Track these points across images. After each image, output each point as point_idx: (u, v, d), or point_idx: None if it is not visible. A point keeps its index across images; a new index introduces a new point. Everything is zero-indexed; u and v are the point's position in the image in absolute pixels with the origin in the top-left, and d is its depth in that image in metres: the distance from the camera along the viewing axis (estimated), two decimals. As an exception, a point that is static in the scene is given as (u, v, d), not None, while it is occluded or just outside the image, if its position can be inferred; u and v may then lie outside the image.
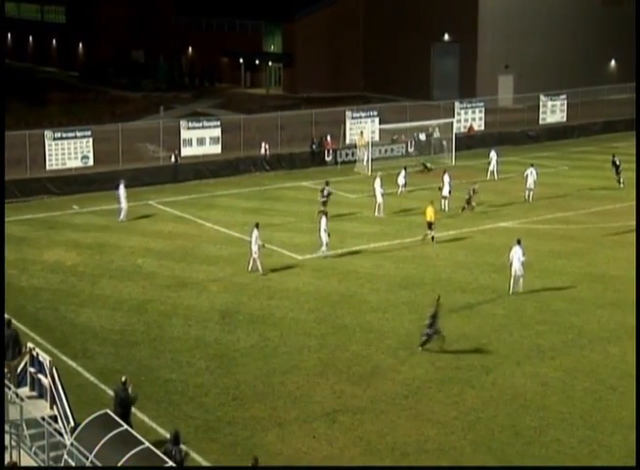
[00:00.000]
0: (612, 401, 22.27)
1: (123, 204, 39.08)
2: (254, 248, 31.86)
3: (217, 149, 50.19)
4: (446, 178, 41.18)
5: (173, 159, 47.66)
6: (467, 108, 58.86)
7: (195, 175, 48.30)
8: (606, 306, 28.90)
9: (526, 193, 43.05)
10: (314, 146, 52.87)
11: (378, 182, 40.75)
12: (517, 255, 30.04)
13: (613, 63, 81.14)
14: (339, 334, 26.77)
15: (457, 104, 58.53)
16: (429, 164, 50.28)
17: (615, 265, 32.92)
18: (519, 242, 30.65)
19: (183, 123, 49.60)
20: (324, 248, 34.00)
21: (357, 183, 48.32)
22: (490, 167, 48.48)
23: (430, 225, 35.83)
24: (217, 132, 50.13)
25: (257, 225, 32.31)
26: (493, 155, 48.99)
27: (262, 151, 51.22)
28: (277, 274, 32.25)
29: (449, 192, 40.97)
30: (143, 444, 16.63)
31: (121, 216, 39.16)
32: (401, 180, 44.13)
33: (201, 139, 49.69)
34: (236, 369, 24.27)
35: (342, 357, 25.03)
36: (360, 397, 22.67)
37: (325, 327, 27.33)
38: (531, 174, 43.03)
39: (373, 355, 25.18)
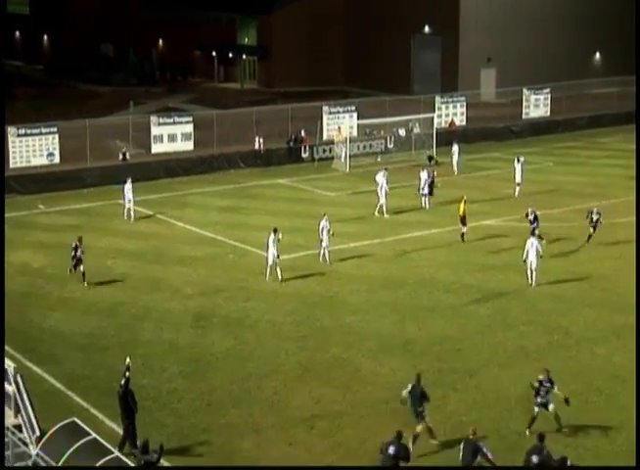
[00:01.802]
0: (598, 404, 22.40)
1: (128, 202, 38.93)
2: (271, 254, 30.96)
3: (189, 145, 50.05)
4: (423, 175, 41.27)
5: (121, 157, 47.48)
6: (448, 102, 59.02)
7: (167, 173, 48.14)
8: (593, 306, 29.08)
9: (516, 188, 43.16)
10: (291, 142, 52.86)
11: (381, 178, 40.20)
12: (533, 246, 30.47)
13: (597, 56, 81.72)
14: (317, 337, 26.76)
15: (438, 98, 58.70)
16: (434, 157, 49.83)
17: (601, 264, 33.12)
18: (533, 233, 31.19)
19: (154, 119, 49.37)
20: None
21: (335, 180, 48.36)
22: (453, 162, 48.87)
23: (462, 221, 35.52)
24: (189, 128, 49.96)
25: (275, 230, 31.30)
26: (455, 149, 49.34)
27: (257, 145, 51.27)
28: (253, 275, 32.19)
29: (430, 189, 41.07)
30: (112, 453, 16.52)
31: (125, 216, 39.05)
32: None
33: (172, 135, 49.51)
34: (211, 374, 24.20)
35: (320, 361, 25.02)
36: (340, 401, 22.66)
37: (303, 330, 27.32)
38: (518, 167, 43.23)
39: (353, 359, 25.18)
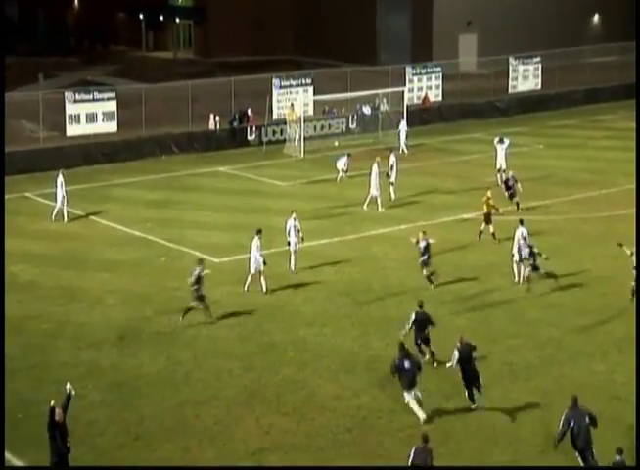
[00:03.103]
0: (598, 430, 22.66)
1: (61, 200, 38.75)
2: (255, 261, 30.75)
3: (112, 127, 49.88)
4: (393, 159, 41.53)
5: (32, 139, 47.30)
6: (421, 74, 59.45)
7: (85, 160, 47.89)
8: (590, 315, 29.43)
9: (498, 176, 43.59)
10: (234, 122, 52.84)
11: (375, 169, 40.14)
12: (522, 237, 31.27)
13: (596, 18, 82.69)
14: (266, 354, 26.79)
15: (409, 69, 59.09)
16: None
17: (600, 264, 33.55)
18: (521, 222, 31.92)
19: (69, 95, 49.12)
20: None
21: (287, 168, 48.45)
22: (401, 140, 49.66)
23: (487, 219, 35.57)
24: (112, 106, 49.81)
25: (260, 232, 31.18)
26: (403, 126, 49.91)
27: (211, 124, 51.24)
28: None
29: (394, 176, 41.36)
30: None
31: (53, 215, 38.79)
32: (340, 165, 44.37)
33: (91, 115, 49.31)
34: (139, 401, 24.12)
35: (270, 383, 25.07)
36: (293, 431, 22.73)
37: (249, 346, 27.33)
38: (501, 151, 43.60)
39: (308, 380, 25.26)
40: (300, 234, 32.84)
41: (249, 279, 31.16)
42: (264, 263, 30.95)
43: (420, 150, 51.37)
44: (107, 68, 76.76)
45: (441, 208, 40.77)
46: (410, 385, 22.82)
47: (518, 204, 38.86)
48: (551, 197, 42.23)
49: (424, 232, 31.88)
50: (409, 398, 22.91)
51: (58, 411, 19.74)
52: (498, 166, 43.73)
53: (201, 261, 29.62)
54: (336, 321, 28.89)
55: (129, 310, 29.88)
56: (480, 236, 35.95)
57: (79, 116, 49.09)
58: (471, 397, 23.37)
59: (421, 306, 25.62)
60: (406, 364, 22.77)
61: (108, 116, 49.72)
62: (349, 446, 22.08)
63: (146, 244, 36.51)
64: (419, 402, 22.95)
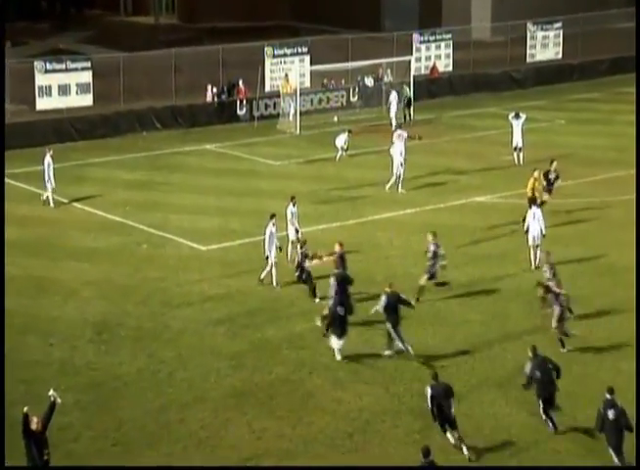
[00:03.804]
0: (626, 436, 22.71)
1: (47, 181, 38.63)
2: (270, 249, 30.65)
3: (88, 100, 49.82)
4: (396, 137, 41.52)
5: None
6: (429, 42, 59.37)
7: (57, 137, 47.80)
8: (615, 308, 29.45)
9: (515, 154, 43.60)
10: (222, 95, 52.75)
11: (400, 146, 40.28)
12: (535, 218, 31.61)
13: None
14: (259, 352, 26.82)
15: (416, 36, 59.00)
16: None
17: (627, 253, 33.52)
18: (534, 202, 32.50)
19: (39, 65, 49.05)
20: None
21: (281, 146, 48.42)
22: (391, 114, 50.04)
23: (531, 202, 34.74)
24: (87, 77, 49.77)
25: (273, 216, 30.97)
26: (394, 97, 50.09)
27: (208, 97, 51.24)
28: (173, 272, 32.18)
29: (403, 157, 41.33)
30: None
31: (47, 200, 38.81)
32: (340, 142, 44.33)
33: (64, 87, 49.26)
34: (118, 404, 24.14)
35: (262, 384, 25.10)
36: (288, 436, 22.76)
37: (240, 343, 27.35)
38: (517, 127, 43.61)
39: (305, 380, 25.29)
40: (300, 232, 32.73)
41: (273, 271, 30.81)
42: (279, 249, 30.91)
43: (428, 125, 51.31)
44: (81, 34, 76.61)
45: (452, 190, 40.76)
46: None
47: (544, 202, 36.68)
48: (573, 177, 42.15)
49: (434, 234, 30.47)
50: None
51: (35, 420, 19.76)
52: (514, 144, 43.74)
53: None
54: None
55: (107, 304, 29.86)
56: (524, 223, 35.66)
57: (50, 87, 49.01)
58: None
59: (391, 286, 26.46)
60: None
61: (82, 88, 49.63)
62: (350, 452, 22.12)
63: (125, 230, 36.48)
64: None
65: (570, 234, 35.56)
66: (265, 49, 54.46)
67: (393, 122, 49.68)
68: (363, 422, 23.36)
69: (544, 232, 32.26)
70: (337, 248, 29.38)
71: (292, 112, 51.03)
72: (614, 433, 21.08)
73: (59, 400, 20.34)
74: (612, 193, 40.26)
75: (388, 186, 40.25)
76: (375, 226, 36.64)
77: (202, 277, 31.73)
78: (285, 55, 54.90)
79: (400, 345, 26.06)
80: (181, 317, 28.90)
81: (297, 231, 32.77)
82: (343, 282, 27.26)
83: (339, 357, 26.06)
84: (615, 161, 44.70)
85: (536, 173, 36.17)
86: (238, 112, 52.59)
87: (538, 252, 32.02)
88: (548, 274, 27.54)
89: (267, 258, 30.74)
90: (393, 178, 40.25)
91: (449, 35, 60.44)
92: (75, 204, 39.32)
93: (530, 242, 32.21)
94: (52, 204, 38.77)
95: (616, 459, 21.08)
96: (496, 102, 56.40)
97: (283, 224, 32.50)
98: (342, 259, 29.15)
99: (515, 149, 43.68)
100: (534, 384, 22.78)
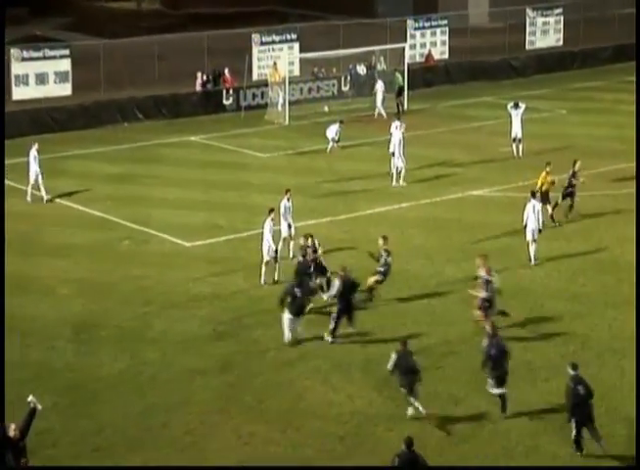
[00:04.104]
0: (628, 438, 22.71)
1: (34, 176, 38.53)
2: (266, 246, 30.83)
3: (67, 89, 49.72)
4: (394, 128, 41.48)
5: None
6: (424, 28, 59.32)
7: (34, 128, 47.67)
8: (620, 306, 29.46)
9: (514, 146, 43.60)
10: (208, 84, 52.66)
11: (398, 134, 40.45)
12: (535, 211, 31.78)
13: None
14: (246, 353, 26.78)
15: (410, 22, 58.95)
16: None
17: (629, 248, 33.55)
18: (533, 195, 32.42)
19: (15, 53, 48.94)
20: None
21: (270, 137, 48.35)
22: (377, 103, 50.37)
23: (544, 197, 34.97)
24: (66, 65, 49.70)
25: (272, 211, 31.20)
26: (380, 86, 50.38)
27: (198, 85, 51.19)
28: (157, 269, 32.12)
29: (402, 148, 41.31)
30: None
31: (29, 197, 38.66)
32: (331, 133, 44.23)
33: (41, 75, 49.17)
34: (97, 407, 24.09)
35: (250, 387, 25.06)
36: (277, 441, 22.73)
37: (226, 344, 27.32)
38: (516, 117, 43.58)
39: (295, 383, 25.26)
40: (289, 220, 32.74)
41: (263, 268, 30.94)
42: (275, 252, 30.99)
43: (423, 116, 51.29)
44: (59, 20, 76.39)
45: (448, 183, 40.72)
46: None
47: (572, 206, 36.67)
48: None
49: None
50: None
51: (13, 427, 19.67)
52: (513, 135, 43.71)
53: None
54: (325, 315, 28.80)
55: (87, 302, 29.80)
56: (552, 218, 35.55)
57: (27, 76, 48.87)
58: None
59: (344, 270, 27.44)
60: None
61: (60, 76, 49.53)
62: (342, 457, 22.09)
63: (106, 225, 36.39)
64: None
65: (571, 229, 35.57)
66: (252, 36, 54.39)
67: (382, 113, 49.95)
68: (355, 426, 23.33)
69: (541, 227, 32.34)
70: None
71: (280, 101, 50.96)
72: (586, 407, 21.77)
73: (39, 407, 20.24)
74: (615, 186, 40.25)
75: (400, 181, 40.27)
76: (368, 221, 36.59)
77: (186, 275, 31.64)
78: (273, 42, 54.83)
79: (332, 325, 27.14)
80: (165, 317, 28.83)
81: (289, 226, 32.71)
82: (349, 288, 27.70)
83: (286, 338, 26.88)
84: (618, 152, 44.68)
85: (548, 168, 36.00)
86: (224, 101, 52.52)
87: (534, 247, 32.25)
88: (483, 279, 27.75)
89: (276, 251, 31.05)
90: (403, 171, 40.29)
91: (445, 21, 60.39)
92: (54, 198, 39.17)
93: (529, 237, 32.22)
94: (29, 198, 38.63)
95: (590, 433, 21.88)
96: (494, 91, 56.39)
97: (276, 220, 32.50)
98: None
99: (514, 140, 43.65)
100: (489, 363, 23.63)
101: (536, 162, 41.64)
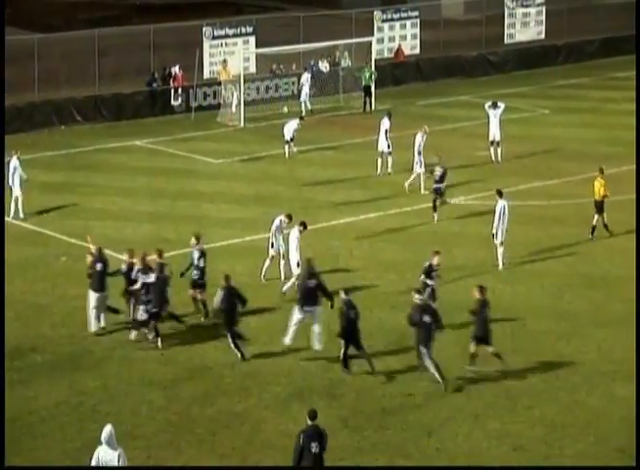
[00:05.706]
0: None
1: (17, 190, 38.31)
2: (294, 260, 31.56)
3: (-3, 89, 49.59)
4: (383, 126, 41.77)
5: None
6: (393, 20, 59.58)
7: (-39, 132, 47.48)
8: (609, 325, 29.60)
9: (492, 149, 43.78)
10: (154, 83, 52.60)
11: (386, 123, 41.79)
12: (504, 212, 32.70)
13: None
14: (197, 380, 26.75)
15: (378, 14, 59.12)
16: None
17: (620, 261, 33.76)
18: (500, 194, 33.44)
19: (-60, 49, 48.78)
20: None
21: (223, 141, 48.34)
22: (301, 98, 52.13)
23: (599, 207, 35.39)
24: (-4, 62, 49.47)
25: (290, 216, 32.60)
26: (306, 79, 52.39)
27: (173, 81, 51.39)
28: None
29: (388, 147, 41.57)
30: None
31: (12, 213, 38.38)
32: (289, 131, 44.15)
33: (-31, 74, 48.95)
34: (32, 443, 23.97)
35: (202, 417, 25.01)
36: (232, 478, 22.73)
37: (175, 370, 27.28)
38: (495, 118, 43.75)
39: (252, 412, 25.23)
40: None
41: (267, 262, 32.40)
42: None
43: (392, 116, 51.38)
44: (-11, 13, 76.15)
45: (420, 191, 40.80)
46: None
47: (606, 226, 36.29)
48: (558, 175, 42.42)
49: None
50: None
51: None
52: (491, 137, 43.89)
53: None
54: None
55: (20, 326, 29.67)
56: (592, 232, 35.75)
57: (-47, 75, 48.75)
58: None
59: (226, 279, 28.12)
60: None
61: (-10, 75, 49.40)
62: (304, 495, 22.06)
63: (41, 240, 36.25)
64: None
65: (556, 240, 35.69)
66: (204, 29, 54.40)
67: (303, 108, 51.12)
68: (319, 460, 23.30)
69: (507, 228, 32.95)
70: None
71: (235, 102, 50.99)
72: (355, 330, 26.80)
73: None
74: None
75: (407, 183, 40.66)
76: (331, 234, 36.60)
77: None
78: (226, 36, 54.88)
79: (233, 346, 27.75)
80: (106, 341, 28.71)
81: (272, 245, 32.71)
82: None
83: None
84: (607, 155, 44.82)
85: (600, 176, 36.11)
86: (172, 102, 52.48)
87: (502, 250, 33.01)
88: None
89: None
90: (414, 175, 40.62)
91: (416, 13, 60.66)
92: (-18, 210, 39.03)
93: (499, 239, 32.78)
94: (21, 213, 38.32)
95: (357, 352, 26.77)
96: (470, 89, 56.62)
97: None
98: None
99: (492, 143, 43.84)
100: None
101: (517, 166, 41.95)
